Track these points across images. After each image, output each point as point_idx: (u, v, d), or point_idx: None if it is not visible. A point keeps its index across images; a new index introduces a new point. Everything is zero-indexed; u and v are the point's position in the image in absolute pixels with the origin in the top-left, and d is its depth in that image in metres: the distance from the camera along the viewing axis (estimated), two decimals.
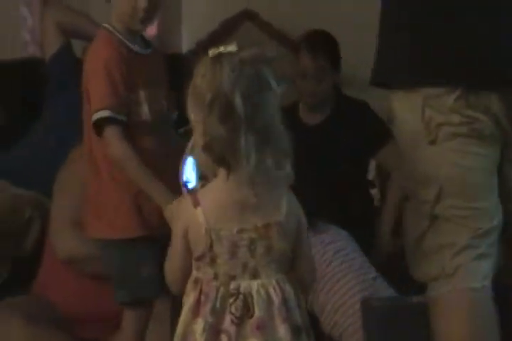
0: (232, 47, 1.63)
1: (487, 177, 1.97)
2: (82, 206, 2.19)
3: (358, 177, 3.12)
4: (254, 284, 1.65)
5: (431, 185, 1.95)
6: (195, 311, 1.66)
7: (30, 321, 2.41)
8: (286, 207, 1.65)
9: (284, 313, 1.65)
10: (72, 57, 3.06)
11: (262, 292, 1.65)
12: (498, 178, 1.99)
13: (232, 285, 1.65)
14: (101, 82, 2.01)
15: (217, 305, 1.64)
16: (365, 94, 3.13)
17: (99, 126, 2.01)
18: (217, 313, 1.64)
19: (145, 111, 2.06)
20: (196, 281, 1.68)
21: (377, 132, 2.92)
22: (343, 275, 2.45)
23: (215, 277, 1.66)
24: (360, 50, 2.83)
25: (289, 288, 1.68)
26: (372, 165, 3.33)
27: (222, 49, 1.63)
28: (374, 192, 3.38)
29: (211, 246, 1.64)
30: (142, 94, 2.06)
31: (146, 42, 2.17)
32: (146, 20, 2.11)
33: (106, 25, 2.11)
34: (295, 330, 1.66)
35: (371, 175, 3.40)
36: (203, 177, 1.68)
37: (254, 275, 1.66)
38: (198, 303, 1.66)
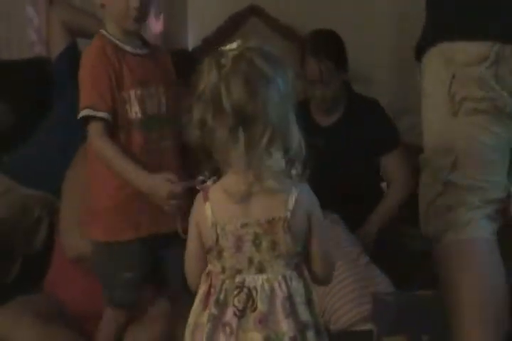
0: (233, 45, 1.63)
1: (503, 156, 2.08)
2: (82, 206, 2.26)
3: (371, 176, 3.11)
4: (260, 279, 1.65)
5: (448, 154, 2.06)
6: (204, 303, 1.68)
7: (40, 320, 2.42)
8: (293, 203, 1.65)
9: (287, 309, 1.64)
10: (79, 57, 3.07)
11: (267, 287, 1.65)
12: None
13: (238, 279, 1.66)
14: (87, 83, 2.13)
15: (221, 297, 1.66)
16: (365, 94, 3.14)
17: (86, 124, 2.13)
18: (221, 305, 1.65)
19: (135, 109, 2.15)
20: (208, 274, 1.70)
21: (385, 136, 2.92)
22: None
23: (223, 270, 1.67)
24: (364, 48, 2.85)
25: (296, 284, 1.67)
26: None
27: (225, 47, 1.63)
28: (383, 185, 3.37)
29: (217, 240, 1.66)
30: (133, 93, 2.15)
31: (144, 42, 2.24)
32: (140, 19, 2.17)
33: (101, 30, 2.20)
34: (300, 326, 1.65)
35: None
36: (215, 174, 1.69)
37: (260, 270, 1.66)
38: (207, 295, 1.68)
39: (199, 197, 1.70)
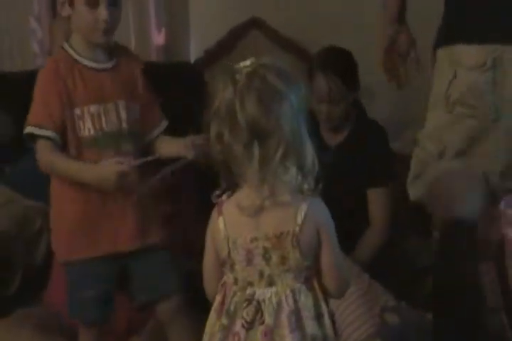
0: (247, 62, 1.65)
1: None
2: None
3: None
4: (269, 292, 1.67)
5: (436, 142, 2.15)
6: (219, 313, 1.70)
7: (40, 332, 2.43)
8: (303, 217, 1.65)
9: (293, 323, 1.64)
10: None
11: (274, 300, 1.66)
12: None
13: (248, 291, 1.67)
14: (37, 102, 2.13)
15: (231, 308, 1.67)
16: (365, 93, 3.13)
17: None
18: (231, 316, 1.67)
19: (88, 126, 2.12)
20: (223, 284, 1.72)
21: (377, 170, 2.85)
22: None
23: (235, 282, 1.69)
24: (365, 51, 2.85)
25: (304, 298, 1.67)
26: None
27: (239, 64, 1.65)
28: None
29: (229, 254, 1.68)
30: (86, 110, 2.12)
31: (110, 55, 2.19)
32: (108, 32, 2.13)
33: (64, 42, 2.17)
34: (308, 340, 1.65)
35: None
36: (230, 188, 1.69)
37: (270, 283, 1.67)
38: (222, 305, 1.70)
39: (214, 211, 1.72)
